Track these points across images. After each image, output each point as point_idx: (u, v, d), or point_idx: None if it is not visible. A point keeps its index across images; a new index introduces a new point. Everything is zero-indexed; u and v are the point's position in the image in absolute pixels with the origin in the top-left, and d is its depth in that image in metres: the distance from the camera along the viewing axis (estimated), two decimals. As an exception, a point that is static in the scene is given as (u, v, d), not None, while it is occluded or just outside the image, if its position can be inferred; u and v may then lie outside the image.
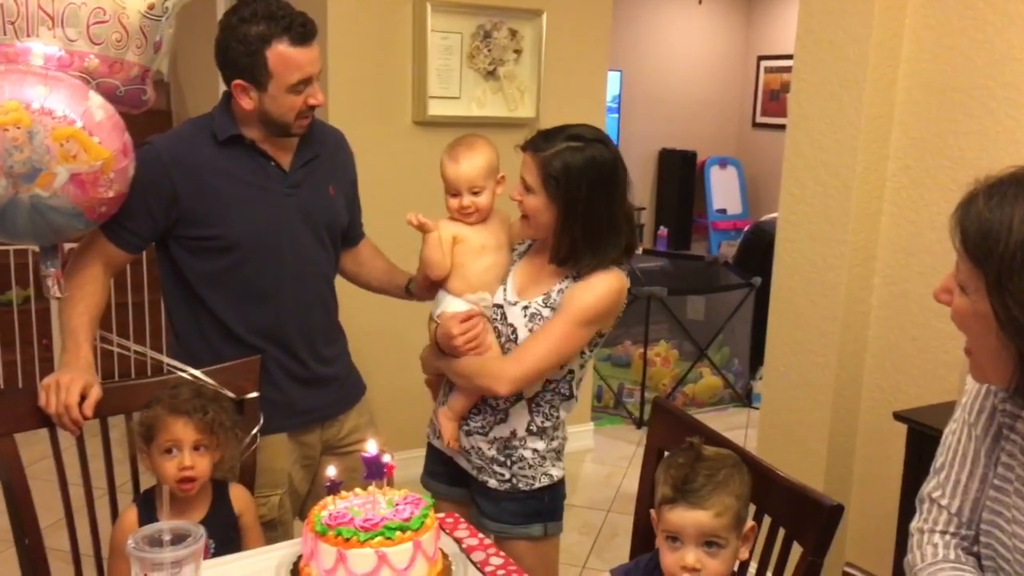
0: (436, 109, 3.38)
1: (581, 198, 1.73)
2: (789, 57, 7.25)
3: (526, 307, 1.81)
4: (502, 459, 1.85)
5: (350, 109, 3.20)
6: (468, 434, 1.86)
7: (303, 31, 1.79)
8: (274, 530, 1.92)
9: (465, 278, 1.86)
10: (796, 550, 1.45)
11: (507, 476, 1.85)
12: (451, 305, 1.86)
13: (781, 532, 1.47)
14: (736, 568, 1.39)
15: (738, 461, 1.39)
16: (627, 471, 3.86)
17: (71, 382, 1.65)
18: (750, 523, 1.37)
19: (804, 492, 1.43)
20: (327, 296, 2.06)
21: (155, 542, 1.24)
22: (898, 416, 2.12)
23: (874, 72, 2.40)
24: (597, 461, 3.95)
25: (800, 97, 2.61)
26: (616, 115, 7.18)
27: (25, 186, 1.58)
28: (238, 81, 1.82)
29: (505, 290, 1.86)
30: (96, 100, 1.65)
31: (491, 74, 3.51)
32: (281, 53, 1.78)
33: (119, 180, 1.70)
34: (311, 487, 2.04)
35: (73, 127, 1.59)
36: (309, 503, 1.97)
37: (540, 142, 1.75)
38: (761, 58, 7.62)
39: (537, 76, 3.56)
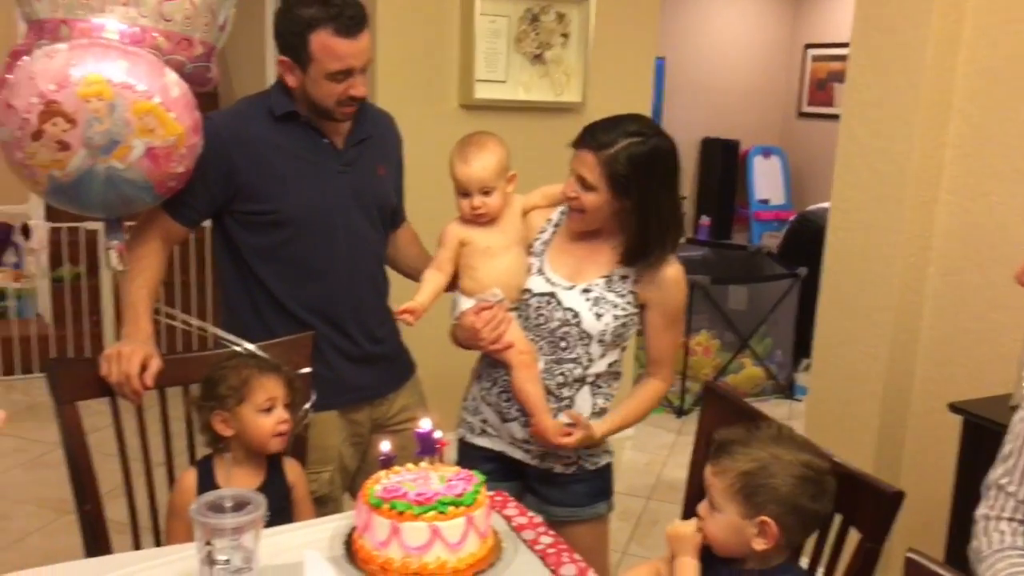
0: (482, 92, 3.38)
1: (651, 195, 1.73)
2: (838, 45, 7.10)
3: (587, 290, 1.80)
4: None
5: (397, 92, 3.21)
6: (527, 425, 1.83)
7: (350, 23, 1.79)
8: (324, 506, 1.94)
9: (476, 279, 1.84)
10: (852, 536, 1.43)
11: (573, 459, 1.86)
12: (466, 306, 1.85)
13: (838, 517, 1.46)
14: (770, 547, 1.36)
15: (798, 472, 1.32)
16: (667, 459, 3.85)
17: (132, 353, 1.69)
18: (766, 518, 1.33)
19: (863, 479, 1.41)
20: (378, 276, 2.08)
21: (217, 508, 1.26)
22: (954, 408, 2.09)
23: (933, 58, 2.35)
24: (637, 449, 3.94)
25: (855, 83, 2.56)
26: (659, 103, 7.12)
27: (102, 157, 1.61)
28: (283, 57, 1.85)
29: (547, 277, 1.84)
30: (172, 77, 1.68)
31: (538, 58, 3.50)
32: (323, 41, 1.78)
33: (189, 156, 1.73)
34: (360, 464, 2.06)
35: (152, 101, 1.62)
36: (359, 480, 1.99)
37: (599, 137, 1.72)
38: (808, 46, 7.49)
39: (584, 61, 3.54)
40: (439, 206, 2.11)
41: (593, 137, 1.73)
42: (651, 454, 3.90)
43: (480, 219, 1.84)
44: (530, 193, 1.93)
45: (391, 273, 2.15)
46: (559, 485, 1.87)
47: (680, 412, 4.37)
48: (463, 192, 1.83)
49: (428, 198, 2.41)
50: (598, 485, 1.90)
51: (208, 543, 1.24)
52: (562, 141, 1.85)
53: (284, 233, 1.90)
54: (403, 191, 2.19)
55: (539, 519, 1.65)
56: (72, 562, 1.45)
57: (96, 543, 1.70)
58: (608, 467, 1.92)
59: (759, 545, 1.33)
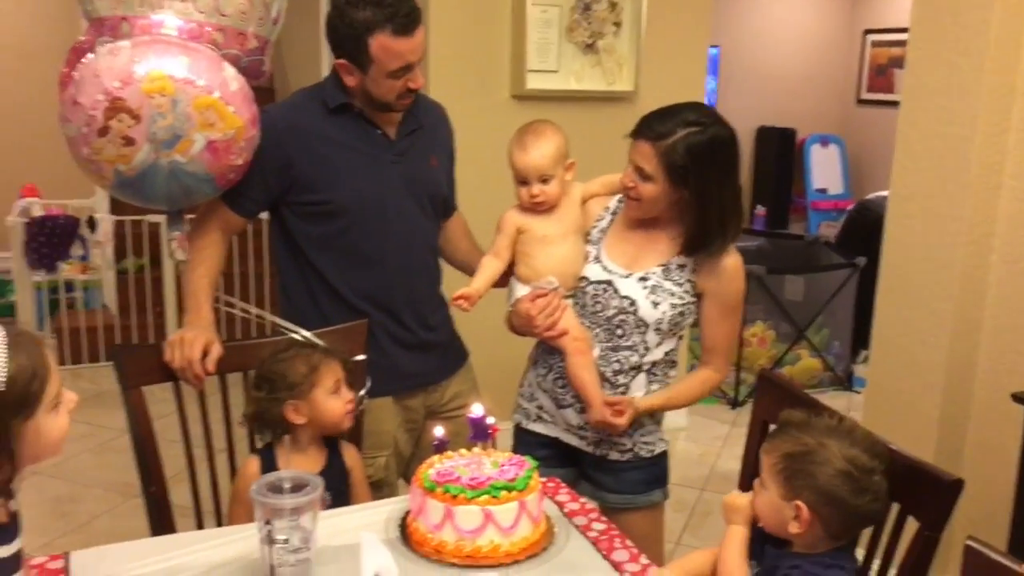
0: (534, 83, 3.38)
1: (710, 185, 1.72)
2: (898, 31, 6.92)
3: (644, 278, 1.80)
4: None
5: (449, 83, 3.24)
6: (582, 411, 1.84)
7: (406, 21, 1.81)
8: (380, 490, 1.97)
9: (532, 267, 1.85)
10: (911, 525, 1.42)
11: (629, 445, 1.86)
12: (522, 293, 1.86)
13: (895, 506, 1.44)
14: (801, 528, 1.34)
15: (841, 466, 1.30)
16: (721, 451, 3.82)
17: (194, 339, 1.74)
18: (800, 503, 1.32)
19: (921, 467, 1.39)
20: (431, 264, 2.10)
21: (276, 489, 1.30)
22: (1017, 398, 2.04)
23: (996, 40, 2.29)
24: (690, 440, 3.92)
25: (916, 67, 2.50)
26: (714, 92, 7.03)
27: (165, 152, 1.66)
28: (341, 61, 1.87)
29: (604, 265, 1.84)
30: (230, 71, 1.72)
31: (590, 47, 3.49)
32: (383, 42, 1.80)
33: (248, 148, 1.77)
34: (415, 450, 2.09)
35: (212, 96, 1.67)
36: (413, 465, 2.02)
37: (656, 127, 1.71)
38: (867, 32, 7.32)
39: (636, 49, 3.52)
40: (492, 197, 2.13)
41: (650, 127, 1.72)
42: (705, 445, 3.87)
43: (538, 207, 1.84)
44: (590, 181, 1.93)
45: (444, 262, 2.18)
46: (614, 472, 1.88)
47: (735, 403, 4.33)
48: (521, 180, 1.84)
49: (480, 189, 2.43)
50: (653, 473, 1.90)
51: (268, 523, 1.27)
52: (614, 130, 1.84)
53: (339, 223, 1.94)
54: (455, 181, 2.21)
55: (591, 505, 1.66)
56: (138, 540, 1.50)
57: (161, 523, 1.76)
58: (663, 455, 1.92)
59: (793, 528, 1.34)
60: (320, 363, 1.68)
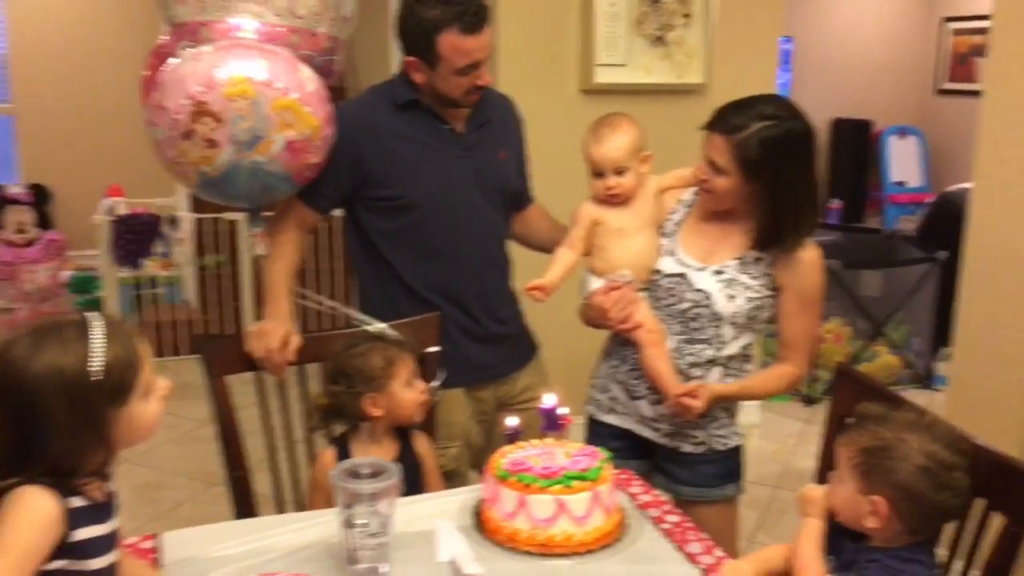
0: (602, 77, 3.37)
1: (784, 180, 1.69)
2: (979, 18, 6.67)
3: (719, 272, 1.79)
4: (697, 421, 1.83)
5: (517, 77, 3.24)
6: (655, 403, 1.84)
7: (474, 20, 1.83)
8: (451, 480, 1.99)
9: (606, 260, 1.85)
10: (997, 520, 1.38)
11: (702, 438, 1.85)
12: (596, 286, 1.86)
13: (980, 502, 1.40)
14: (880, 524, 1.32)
15: (920, 461, 1.28)
16: (795, 448, 3.76)
17: (274, 330, 1.80)
18: (877, 498, 1.29)
19: (1008, 462, 1.36)
20: (500, 257, 2.12)
21: (355, 475, 1.33)
22: (1110, 394, 1.96)
23: (1088, 23, 2.20)
24: (763, 437, 3.86)
25: (999, 55, 2.42)
26: (787, 83, 6.89)
27: (246, 153, 1.71)
28: (410, 58, 1.90)
29: (678, 258, 1.83)
30: (306, 72, 1.77)
31: (659, 40, 3.45)
32: (451, 41, 1.82)
33: (323, 147, 1.82)
34: (486, 442, 2.10)
35: (290, 97, 1.71)
36: (484, 456, 2.04)
37: (731, 120, 1.69)
38: (947, 19, 7.08)
39: (706, 41, 3.47)
40: (560, 192, 2.14)
41: (724, 120, 1.70)
42: (778, 443, 3.81)
43: (613, 199, 1.84)
44: (664, 175, 1.93)
45: (515, 255, 2.19)
46: (688, 465, 1.87)
47: (809, 400, 4.24)
48: (596, 172, 1.84)
49: (549, 184, 2.43)
50: (727, 466, 1.89)
51: (348, 507, 1.31)
52: (684, 124, 1.82)
53: (410, 217, 1.97)
54: (527, 173, 2.22)
55: (664, 497, 1.65)
56: (224, 523, 1.56)
57: (244, 507, 1.83)
58: (738, 449, 1.90)
59: (870, 523, 1.32)
60: (395, 356, 1.72)
